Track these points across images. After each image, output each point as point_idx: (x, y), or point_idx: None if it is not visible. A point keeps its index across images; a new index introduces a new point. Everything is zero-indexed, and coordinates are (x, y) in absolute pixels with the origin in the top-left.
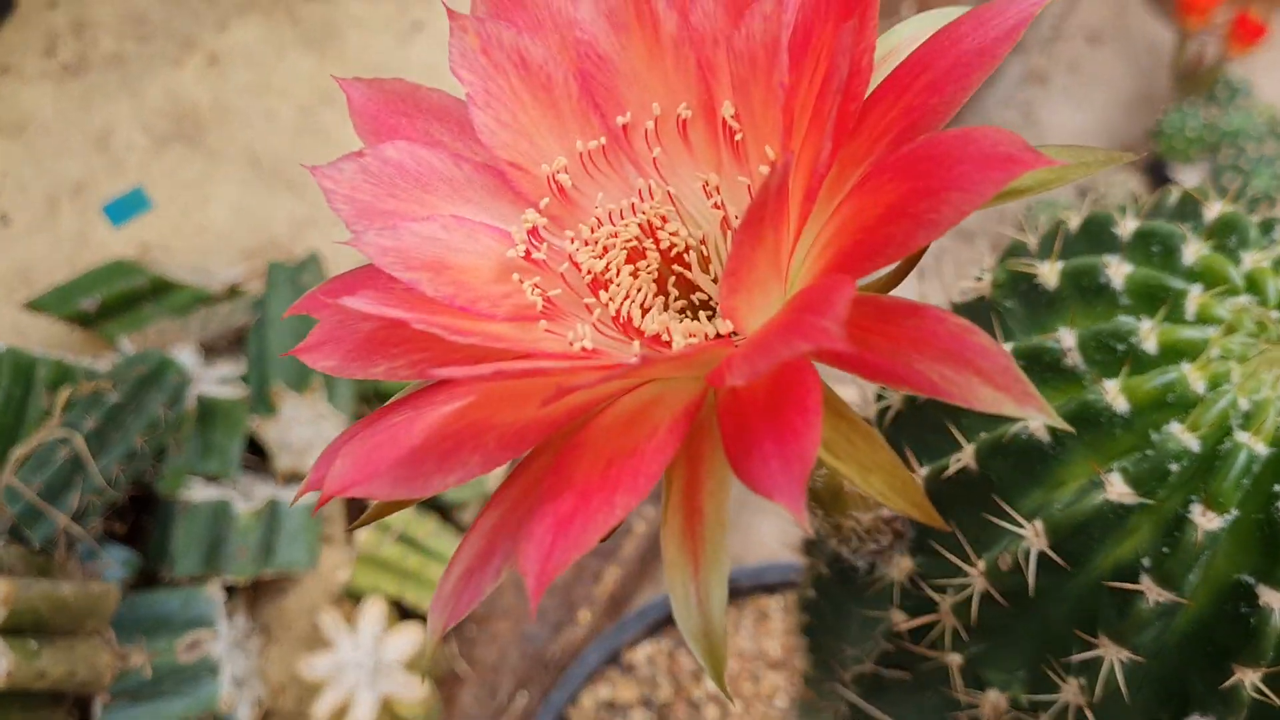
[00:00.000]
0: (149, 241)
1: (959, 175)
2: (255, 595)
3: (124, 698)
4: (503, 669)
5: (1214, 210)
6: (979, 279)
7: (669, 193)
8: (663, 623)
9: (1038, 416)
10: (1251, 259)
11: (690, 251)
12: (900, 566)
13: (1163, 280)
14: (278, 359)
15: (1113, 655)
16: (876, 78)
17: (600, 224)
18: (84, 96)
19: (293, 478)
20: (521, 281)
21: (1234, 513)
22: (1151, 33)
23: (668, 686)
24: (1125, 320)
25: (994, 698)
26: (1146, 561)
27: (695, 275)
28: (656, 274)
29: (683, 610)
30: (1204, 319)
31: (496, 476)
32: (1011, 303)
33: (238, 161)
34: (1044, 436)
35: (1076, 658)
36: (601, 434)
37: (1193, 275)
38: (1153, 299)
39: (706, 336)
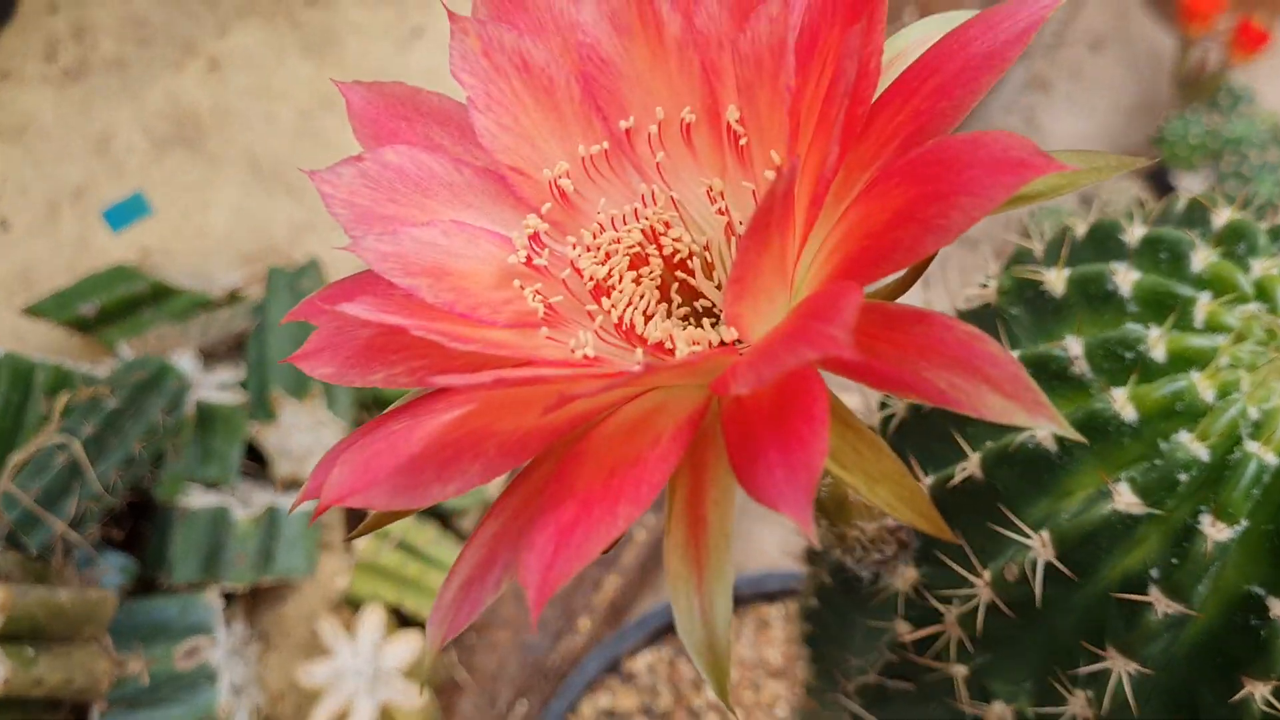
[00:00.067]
0: (149, 246)
1: (969, 180)
2: (254, 602)
3: (121, 705)
4: (502, 677)
5: (1222, 217)
6: (984, 286)
7: (672, 198)
8: (663, 631)
9: (1049, 426)
10: (1261, 266)
11: (694, 258)
12: (905, 577)
13: (1171, 287)
14: (277, 365)
15: (1120, 667)
16: (884, 81)
17: (603, 229)
18: (84, 101)
19: (292, 484)
20: (523, 288)
21: (1244, 523)
22: (1154, 39)
23: (668, 695)
24: (1133, 328)
25: (1000, 710)
26: (1155, 572)
27: (699, 282)
28: (660, 280)
29: (686, 622)
30: (1213, 327)
31: (497, 484)
32: (1017, 310)
33: (238, 166)
34: (1051, 446)
35: (1084, 670)
36: (604, 442)
37: (1201, 282)
38: (1161, 306)
39: (710, 344)
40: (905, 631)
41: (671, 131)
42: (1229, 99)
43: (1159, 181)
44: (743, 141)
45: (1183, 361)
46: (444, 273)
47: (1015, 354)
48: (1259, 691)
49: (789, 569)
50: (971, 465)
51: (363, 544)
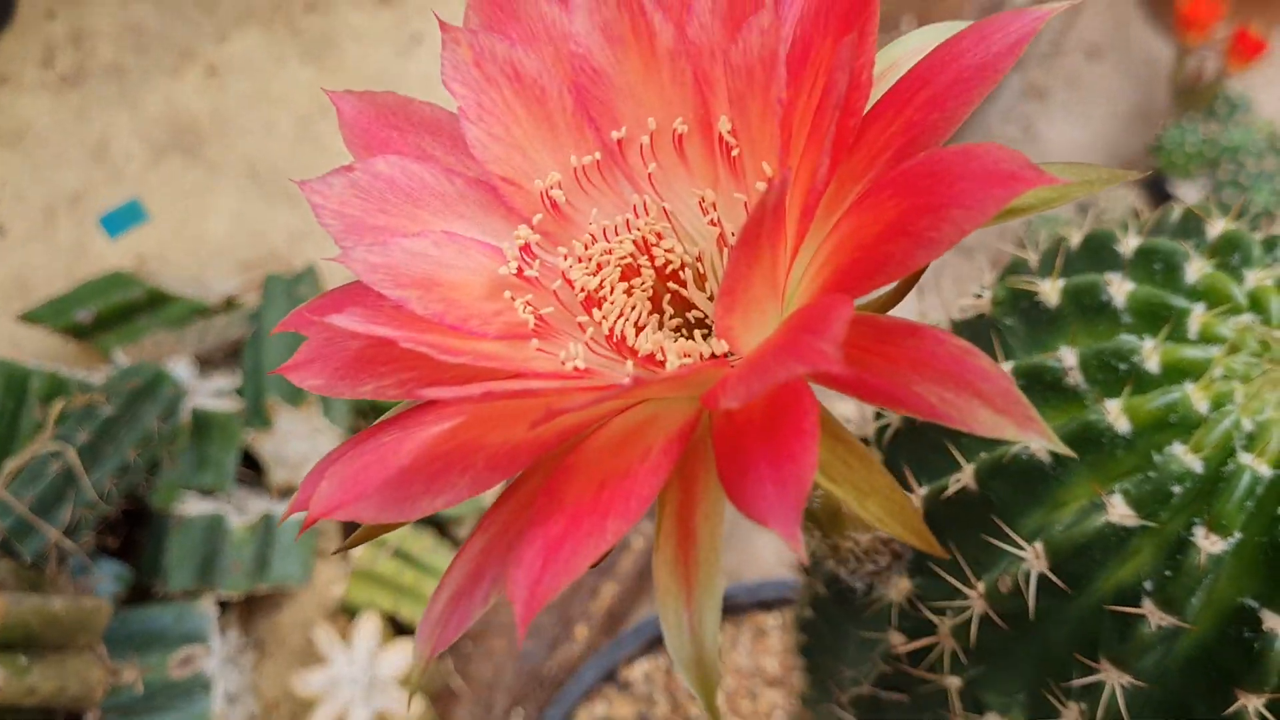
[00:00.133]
0: (146, 253)
1: (960, 192)
2: (249, 610)
3: (115, 714)
4: (498, 686)
5: (1217, 228)
6: (979, 296)
7: (664, 209)
8: (660, 640)
9: (1039, 441)
10: (1255, 277)
11: (686, 269)
12: (899, 588)
13: (1165, 299)
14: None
15: (1114, 679)
16: (878, 91)
17: (594, 240)
18: (82, 106)
19: (288, 492)
20: (513, 299)
21: (1237, 535)
22: (1151, 48)
23: (665, 704)
24: (1127, 339)
25: None
26: (1148, 585)
27: (691, 293)
28: (651, 291)
29: (675, 638)
30: (1207, 338)
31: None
32: (1012, 320)
33: (236, 173)
34: (1044, 457)
35: (1077, 682)
36: (594, 455)
37: (1195, 294)
38: (1155, 317)
39: (701, 356)
40: (899, 642)
41: (664, 142)
42: (1226, 107)
43: (1156, 190)
44: (735, 152)
45: (1177, 373)
46: (434, 284)
47: (1009, 365)
48: (1252, 704)
49: (786, 577)
50: (965, 476)
51: (359, 551)
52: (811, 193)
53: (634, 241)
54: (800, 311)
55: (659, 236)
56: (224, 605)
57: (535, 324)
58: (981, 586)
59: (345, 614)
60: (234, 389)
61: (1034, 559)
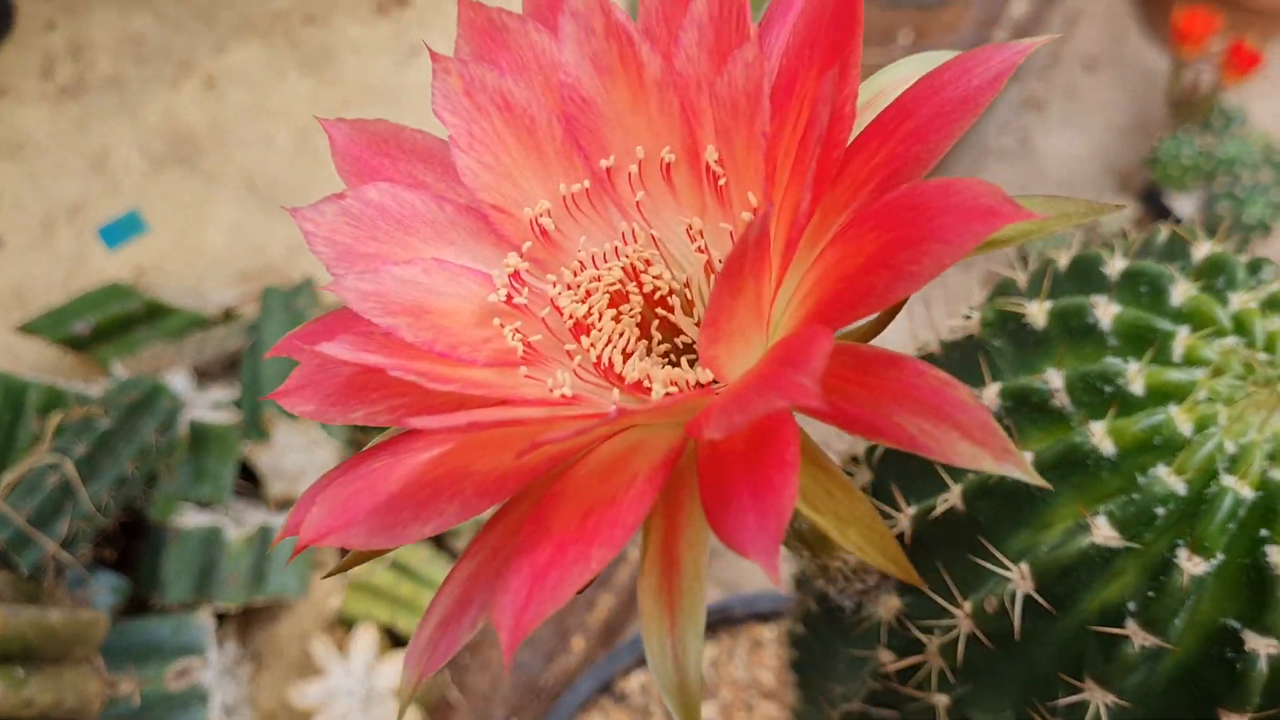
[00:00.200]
0: (144, 264)
1: (940, 226)
2: (246, 622)
3: None
4: (495, 697)
5: (1202, 250)
6: (968, 317)
7: (653, 236)
8: None
9: (1015, 473)
10: (1239, 300)
11: (674, 295)
12: (887, 606)
13: (1150, 321)
14: (271, 384)
15: (1098, 699)
16: (866, 117)
17: (583, 267)
18: (81, 118)
19: (285, 504)
20: (502, 326)
21: (1220, 557)
22: (1147, 60)
23: (660, 716)
24: (1113, 362)
25: None
26: (1132, 605)
27: (679, 319)
28: (640, 317)
29: (658, 664)
30: (1191, 361)
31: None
32: (1000, 342)
33: (234, 184)
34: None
35: (1062, 701)
36: (581, 482)
37: (1180, 316)
38: (1140, 340)
39: (688, 384)
40: (888, 660)
41: (652, 171)
42: (1222, 120)
43: (1152, 202)
44: (721, 182)
45: (1161, 395)
46: (424, 311)
47: (997, 386)
48: None
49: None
50: (953, 497)
51: None
52: (794, 226)
53: (623, 268)
54: (782, 343)
55: (647, 263)
56: (221, 617)
57: (524, 351)
58: (968, 606)
59: (342, 626)
60: (232, 401)
61: (1020, 579)
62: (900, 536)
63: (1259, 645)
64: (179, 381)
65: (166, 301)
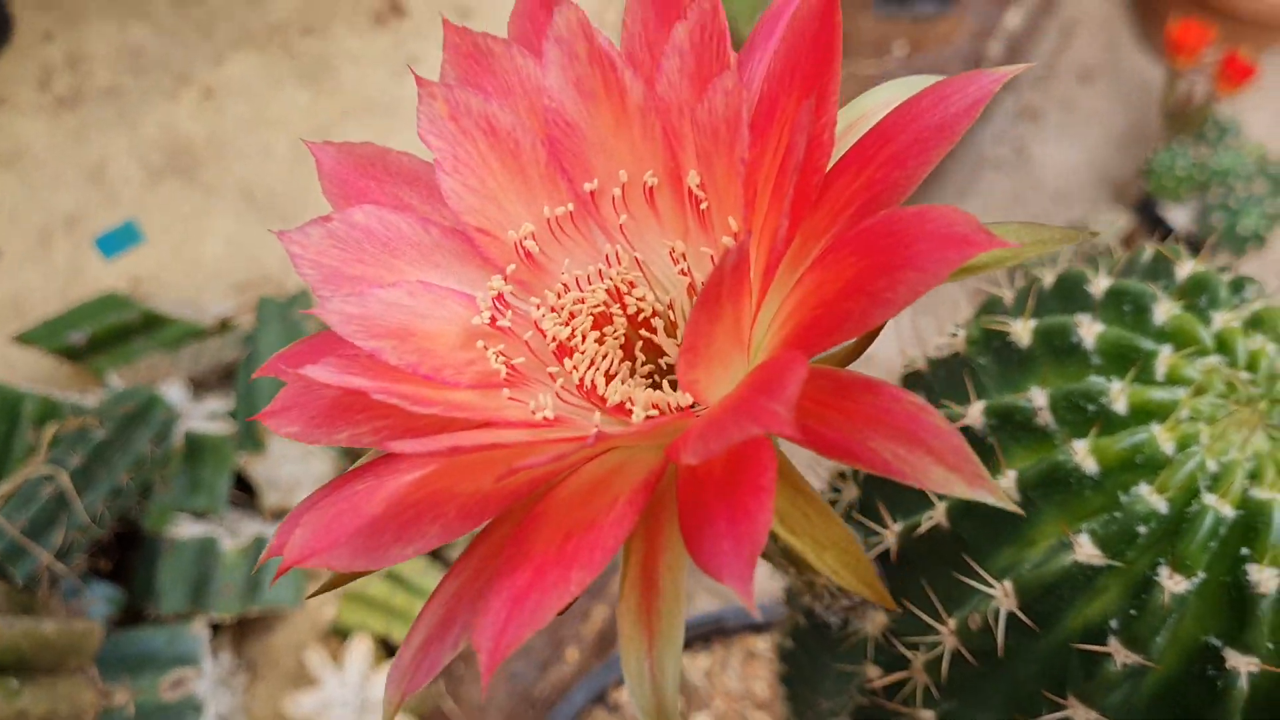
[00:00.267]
0: (141, 275)
1: (915, 254)
2: (241, 632)
3: None
4: (489, 707)
5: (1185, 269)
6: (954, 335)
7: (636, 258)
8: None
9: (987, 498)
10: (1222, 319)
11: (657, 317)
12: (874, 622)
13: (1133, 341)
14: (266, 395)
15: (1081, 716)
16: (848, 142)
17: (567, 289)
18: (78, 129)
19: (280, 514)
20: (486, 348)
21: (1201, 575)
22: (1143, 71)
23: None
24: (1096, 380)
25: None
26: (1114, 623)
27: (662, 340)
28: (623, 339)
29: (636, 686)
30: (1174, 380)
31: None
32: (985, 360)
33: (231, 195)
34: (1014, 496)
35: (1046, 718)
36: (562, 505)
37: (1163, 335)
38: (1124, 359)
39: (670, 406)
40: (875, 676)
41: (635, 194)
42: (1216, 131)
43: (1147, 213)
44: (703, 206)
45: (1144, 414)
46: (409, 334)
47: (982, 404)
48: None
49: (777, 600)
50: (938, 514)
51: None
52: (773, 252)
53: (607, 290)
54: (758, 369)
55: (631, 285)
56: (216, 627)
57: (507, 373)
58: (953, 623)
59: (337, 636)
60: (227, 412)
61: (1003, 597)
62: (886, 553)
63: (1240, 663)
64: (175, 392)
65: (163, 312)
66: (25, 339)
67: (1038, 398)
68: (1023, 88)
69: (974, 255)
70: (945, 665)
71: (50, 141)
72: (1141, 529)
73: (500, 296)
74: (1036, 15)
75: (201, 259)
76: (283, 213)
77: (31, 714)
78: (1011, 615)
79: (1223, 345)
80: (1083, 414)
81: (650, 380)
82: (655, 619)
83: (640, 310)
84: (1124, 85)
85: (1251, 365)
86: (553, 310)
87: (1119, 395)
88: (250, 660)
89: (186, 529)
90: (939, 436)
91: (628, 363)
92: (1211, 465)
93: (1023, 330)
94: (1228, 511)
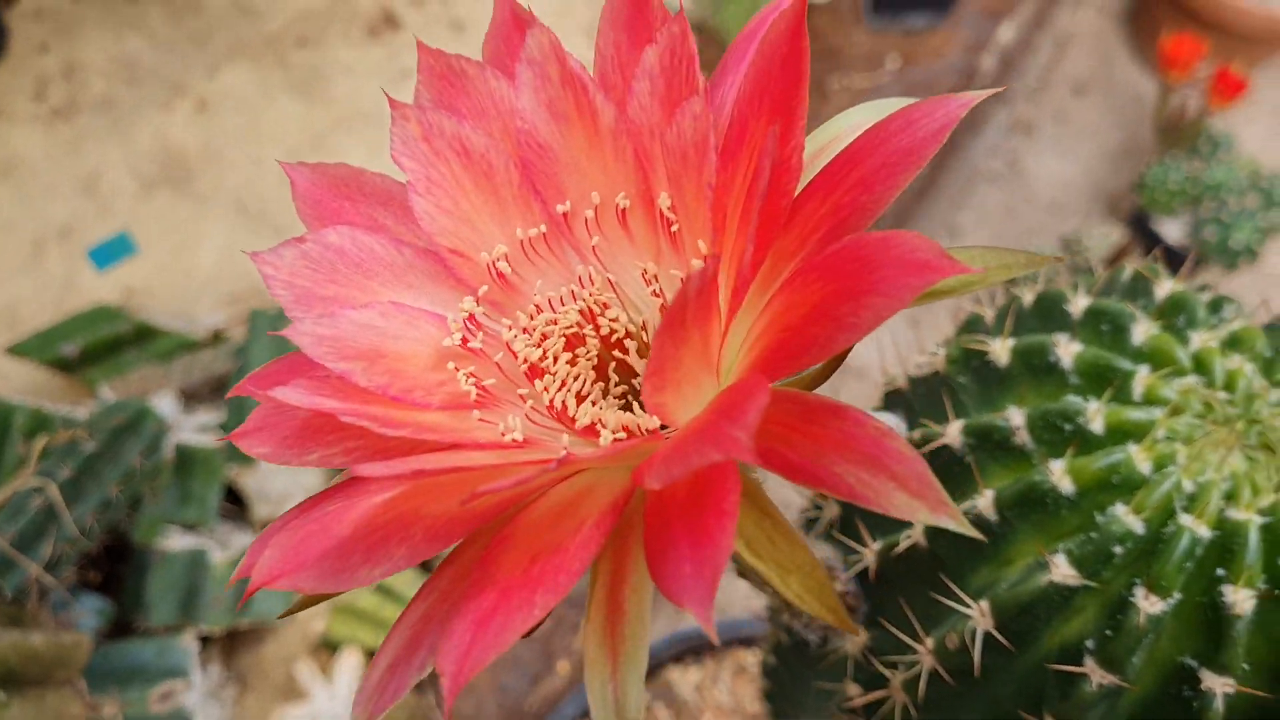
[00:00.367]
0: (134, 286)
1: (879, 280)
2: (231, 645)
3: None
4: None
5: (1164, 289)
6: (934, 353)
7: (609, 279)
8: (645, 676)
9: (950, 524)
10: (1200, 339)
11: (630, 338)
12: (853, 640)
13: (1111, 360)
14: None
15: None
16: (820, 164)
17: (539, 310)
18: (73, 140)
19: None
20: (457, 370)
21: (1177, 596)
22: (1136, 85)
23: None
24: (1073, 400)
25: None
26: (1090, 643)
27: (634, 361)
28: (597, 360)
29: (600, 709)
30: (1151, 400)
31: None
32: (964, 379)
33: (225, 206)
34: (991, 515)
35: None
36: (530, 527)
37: (1141, 355)
38: (1101, 379)
39: (640, 429)
40: (855, 694)
41: (608, 215)
42: (1208, 145)
43: (1139, 226)
44: (675, 228)
45: (1120, 434)
46: (379, 355)
47: (960, 423)
48: None
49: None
50: (916, 533)
51: None
52: (740, 275)
53: (580, 311)
54: (723, 394)
55: (604, 306)
56: (205, 640)
57: (477, 395)
58: (930, 642)
59: (327, 649)
60: (218, 424)
61: (980, 616)
62: (865, 571)
63: (1215, 684)
64: (166, 404)
65: (155, 324)
66: (17, 351)
67: (1015, 417)
68: (1016, 101)
69: (936, 281)
70: (923, 684)
71: (45, 152)
72: (1118, 549)
73: (472, 317)
74: (1030, 29)
75: (194, 270)
76: (276, 224)
77: None
78: (988, 635)
79: (1200, 365)
80: (1060, 434)
81: (623, 401)
82: (620, 643)
83: (614, 331)
84: (1117, 99)
85: (1229, 385)
86: (525, 331)
87: (1096, 415)
88: (240, 673)
89: (176, 541)
90: (902, 462)
91: (601, 384)
92: (1188, 486)
93: (1001, 349)
94: (1204, 532)
